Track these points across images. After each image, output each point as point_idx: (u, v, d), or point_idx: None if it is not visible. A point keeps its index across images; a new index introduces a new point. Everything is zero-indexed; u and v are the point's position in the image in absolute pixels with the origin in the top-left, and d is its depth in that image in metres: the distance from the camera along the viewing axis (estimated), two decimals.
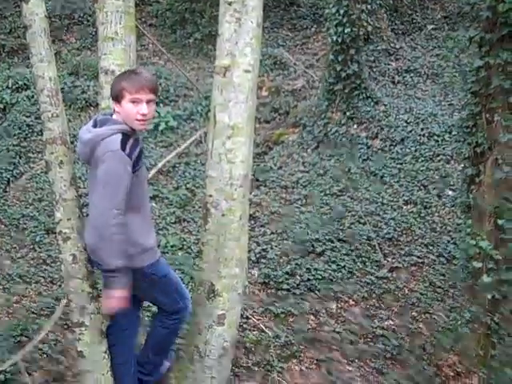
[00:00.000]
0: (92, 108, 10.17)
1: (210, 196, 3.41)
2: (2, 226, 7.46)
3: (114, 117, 3.16)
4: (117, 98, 3.13)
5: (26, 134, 9.48)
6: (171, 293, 3.43)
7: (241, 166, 3.37)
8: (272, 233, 7.13)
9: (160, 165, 8.40)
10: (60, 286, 6.19)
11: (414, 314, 5.64)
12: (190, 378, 3.53)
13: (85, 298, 3.31)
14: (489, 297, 4.74)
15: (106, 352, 3.39)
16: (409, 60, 10.91)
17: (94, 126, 3.17)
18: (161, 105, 9.94)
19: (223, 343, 3.48)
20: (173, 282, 3.45)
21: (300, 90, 10.58)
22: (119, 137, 3.04)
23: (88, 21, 12.85)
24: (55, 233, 7.18)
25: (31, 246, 7.07)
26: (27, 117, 9.74)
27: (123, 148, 3.01)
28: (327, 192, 7.88)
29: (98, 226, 3.01)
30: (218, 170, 3.37)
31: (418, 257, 6.50)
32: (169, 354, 3.68)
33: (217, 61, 3.41)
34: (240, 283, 3.53)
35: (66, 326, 5.43)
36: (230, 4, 3.29)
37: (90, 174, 3.19)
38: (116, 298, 3.13)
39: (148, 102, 3.11)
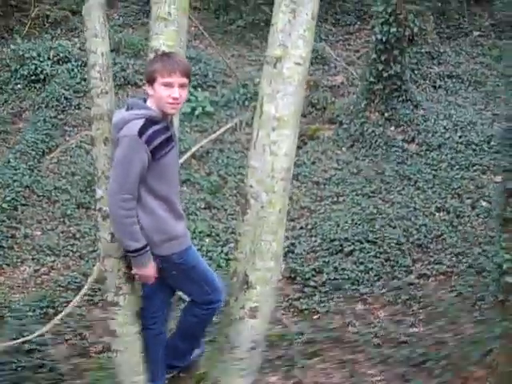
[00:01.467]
0: (130, 86, 10.19)
1: (251, 187, 3.38)
2: (35, 197, 7.51)
3: (148, 101, 3.13)
4: (149, 80, 3.09)
5: (64, 107, 9.52)
6: (201, 284, 3.36)
7: (284, 159, 3.33)
8: (301, 228, 7.10)
9: (194, 149, 8.35)
10: (88, 261, 6.23)
11: (440, 323, 5.58)
12: (219, 368, 3.51)
13: (120, 277, 3.28)
14: None
15: (138, 333, 3.39)
16: (452, 65, 10.76)
17: (127, 109, 3.16)
18: (199, 89, 9.93)
19: (254, 336, 3.45)
20: (203, 273, 3.38)
21: (339, 86, 10.50)
22: (140, 122, 3.00)
23: None
24: (86, 207, 7.28)
25: (61, 219, 7.12)
26: (66, 90, 9.78)
27: (141, 134, 2.97)
28: (359, 192, 7.82)
29: (110, 210, 3.04)
30: (260, 161, 3.34)
31: (448, 266, 6.42)
32: (198, 341, 3.66)
33: (268, 51, 3.36)
34: (274, 277, 3.51)
35: (91, 302, 5.48)
36: None
37: None
38: (141, 276, 3.18)
39: (180, 85, 3.07)
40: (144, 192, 3.08)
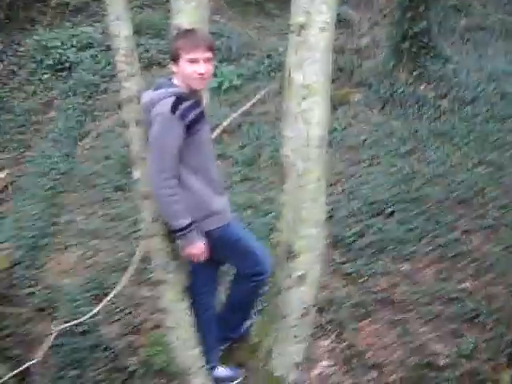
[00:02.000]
0: (154, 67, 10.17)
1: (287, 157, 3.36)
2: (73, 183, 7.60)
3: (175, 79, 3.12)
4: (174, 58, 3.10)
5: (91, 93, 9.59)
6: (246, 256, 3.38)
7: (317, 127, 3.30)
8: (339, 193, 7.04)
9: (225, 123, 8.35)
10: (131, 242, 6.28)
11: (490, 277, 5.50)
12: (271, 337, 3.53)
13: (166, 255, 3.30)
14: None
15: (188, 309, 3.41)
16: (479, 17, 10.51)
17: (155, 89, 3.15)
18: (224, 63, 9.87)
19: (304, 303, 3.46)
20: (247, 246, 3.40)
21: (365, 48, 10.34)
22: (172, 99, 3.00)
23: None
24: (123, 190, 7.32)
25: (101, 203, 7.19)
26: (92, 76, 9.82)
27: (174, 110, 2.97)
28: (394, 153, 7.71)
29: (153, 191, 3.05)
30: (294, 131, 3.31)
31: (492, 219, 6.30)
32: (249, 313, 3.67)
33: (292, 19, 3.30)
34: (319, 243, 3.50)
35: (139, 281, 5.53)
36: None
37: None
38: (190, 255, 3.19)
39: (205, 60, 3.07)
40: (181, 168, 3.08)
